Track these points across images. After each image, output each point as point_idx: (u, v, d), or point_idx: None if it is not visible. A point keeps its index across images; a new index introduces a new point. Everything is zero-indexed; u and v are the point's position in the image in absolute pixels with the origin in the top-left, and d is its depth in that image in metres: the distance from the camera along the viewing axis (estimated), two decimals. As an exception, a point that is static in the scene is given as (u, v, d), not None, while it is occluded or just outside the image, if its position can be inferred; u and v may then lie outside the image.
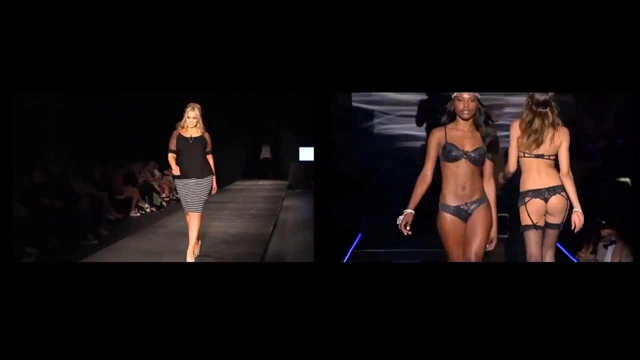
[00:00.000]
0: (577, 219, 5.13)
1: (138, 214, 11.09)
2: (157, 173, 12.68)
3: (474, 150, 4.96)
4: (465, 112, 4.95)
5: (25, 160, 8.96)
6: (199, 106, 7.26)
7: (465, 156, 4.96)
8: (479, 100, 4.95)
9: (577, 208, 5.14)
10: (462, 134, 5.00)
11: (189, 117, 7.20)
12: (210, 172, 7.41)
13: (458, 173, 4.98)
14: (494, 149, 5.02)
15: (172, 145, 7.31)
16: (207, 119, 7.35)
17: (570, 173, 5.17)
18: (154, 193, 11.91)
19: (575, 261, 7.04)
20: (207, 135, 7.34)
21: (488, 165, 5.07)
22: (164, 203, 12.11)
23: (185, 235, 7.96)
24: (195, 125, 7.23)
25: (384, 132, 9.35)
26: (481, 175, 5.05)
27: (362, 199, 8.95)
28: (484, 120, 4.99)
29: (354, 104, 9.17)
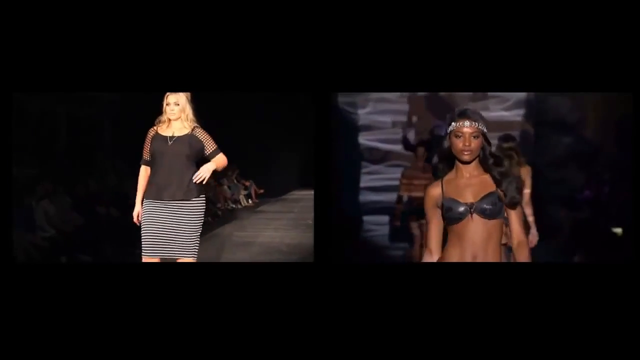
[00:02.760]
0: (533, 239, 5.94)
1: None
2: (212, 182, 12.66)
3: (483, 199, 3.47)
4: (466, 153, 3.46)
5: (81, 169, 8.98)
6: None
7: (471, 210, 3.45)
8: (484, 135, 3.49)
9: (534, 230, 6.02)
10: (465, 181, 3.51)
11: (168, 104, 4.80)
12: (200, 191, 4.87)
13: (467, 237, 3.48)
14: (516, 194, 3.51)
15: (146, 151, 4.93)
16: (263, 128, 6.60)
17: (530, 200, 6.02)
18: (209, 203, 11.88)
19: None
20: (199, 133, 4.85)
21: (514, 220, 3.56)
22: (218, 212, 12.07)
23: (241, 245, 7.84)
24: (180, 117, 4.83)
25: (371, 184, 9.21)
26: (500, 238, 3.55)
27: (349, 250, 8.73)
28: (493, 163, 3.52)
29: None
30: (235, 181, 13.68)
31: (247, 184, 14.09)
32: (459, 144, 3.44)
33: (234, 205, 13.15)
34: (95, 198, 8.49)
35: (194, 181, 4.75)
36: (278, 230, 10.42)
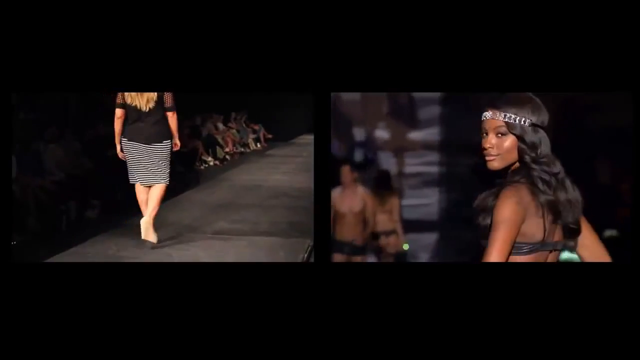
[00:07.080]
0: None
1: (202, 167, 11.08)
2: (220, 126, 12.66)
3: None
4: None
5: (90, 113, 8.98)
6: None
7: None
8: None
9: None
10: None
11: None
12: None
13: None
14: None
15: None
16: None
17: None
18: (217, 146, 11.89)
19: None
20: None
21: None
22: (227, 157, 12.09)
23: (250, 188, 7.88)
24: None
25: None
26: None
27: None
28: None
29: None
30: (244, 125, 13.69)
31: (256, 127, 14.08)
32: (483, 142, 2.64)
33: (242, 149, 13.17)
34: (105, 142, 8.50)
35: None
36: (286, 174, 10.43)
